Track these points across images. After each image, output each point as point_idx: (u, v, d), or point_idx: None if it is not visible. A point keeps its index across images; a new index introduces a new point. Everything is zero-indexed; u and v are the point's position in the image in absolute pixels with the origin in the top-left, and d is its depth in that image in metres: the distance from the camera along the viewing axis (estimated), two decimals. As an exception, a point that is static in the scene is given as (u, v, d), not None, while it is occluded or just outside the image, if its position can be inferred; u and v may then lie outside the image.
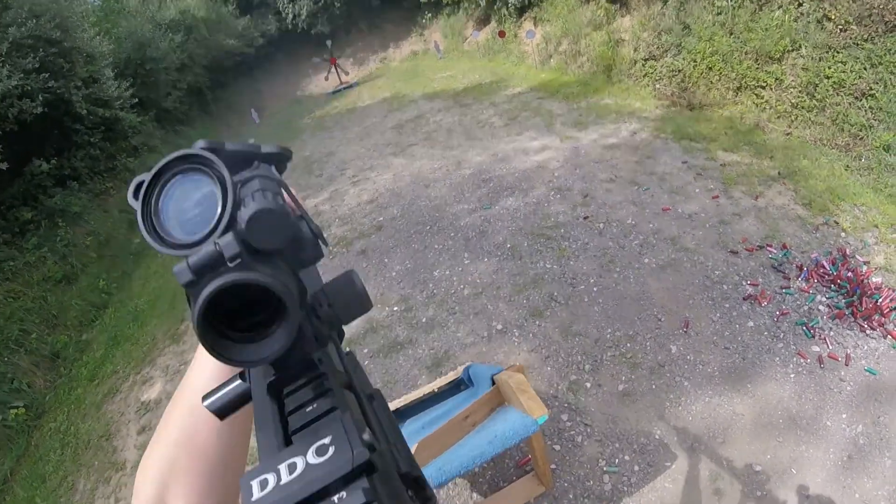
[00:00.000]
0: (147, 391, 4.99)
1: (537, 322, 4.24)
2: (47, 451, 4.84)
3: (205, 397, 0.48)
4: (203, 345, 0.37)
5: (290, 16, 17.87)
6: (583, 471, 3.09)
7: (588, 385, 3.60)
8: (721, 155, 6.07)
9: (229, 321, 0.39)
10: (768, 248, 4.43)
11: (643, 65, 8.83)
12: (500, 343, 4.15)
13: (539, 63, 11.93)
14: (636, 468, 3.05)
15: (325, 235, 0.46)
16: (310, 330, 0.44)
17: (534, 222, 5.58)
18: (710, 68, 7.46)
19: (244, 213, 0.39)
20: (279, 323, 0.39)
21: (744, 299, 3.98)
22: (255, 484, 0.31)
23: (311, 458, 0.31)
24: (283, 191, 0.45)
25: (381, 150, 9.45)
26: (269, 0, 18.10)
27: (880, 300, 3.69)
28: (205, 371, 0.64)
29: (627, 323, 4.03)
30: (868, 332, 3.56)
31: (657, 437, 3.19)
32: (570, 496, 2.98)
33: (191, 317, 0.36)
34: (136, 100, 11.59)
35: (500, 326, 4.30)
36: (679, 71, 8.01)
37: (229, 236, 0.37)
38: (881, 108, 5.57)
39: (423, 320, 4.56)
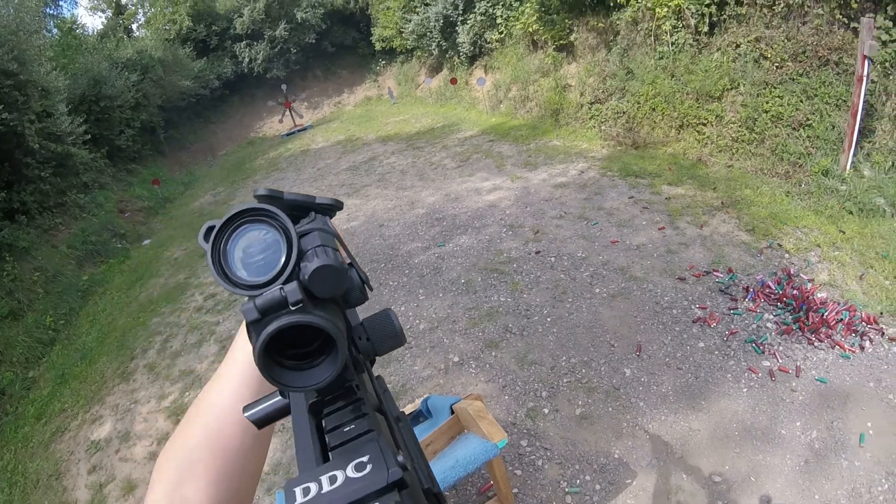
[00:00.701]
0: (97, 430, 4.78)
1: (493, 353, 4.26)
2: (-6, 491, 4.58)
3: (246, 408, 0.53)
4: (261, 371, 0.41)
5: (247, 60, 17.99)
6: (545, 493, 3.08)
7: (546, 411, 3.62)
8: (666, 189, 6.31)
9: (281, 350, 0.43)
10: (715, 273, 4.60)
11: (589, 108, 9.17)
12: (458, 375, 4.14)
13: (489, 108, 12.26)
14: (597, 487, 3.06)
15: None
16: (350, 361, 0.48)
17: (487, 258, 5.65)
18: (654, 109, 7.80)
19: (308, 267, 0.44)
20: (328, 355, 0.44)
21: (693, 322, 4.10)
22: (298, 490, 0.34)
23: (351, 472, 0.35)
24: (337, 243, 0.51)
25: (335, 191, 9.46)
26: (225, 44, 18.17)
27: (826, 314, 3.87)
28: (237, 377, 0.67)
29: (582, 350, 4.08)
30: (816, 344, 3.72)
31: (616, 456, 3.22)
32: (533, 519, 2.97)
33: (253, 348, 0.41)
34: (89, 136, 11.37)
35: (456, 359, 4.30)
36: (624, 113, 8.34)
37: (294, 285, 0.42)
38: (818, 137, 5.94)
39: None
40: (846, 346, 3.64)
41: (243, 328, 0.69)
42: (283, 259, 0.45)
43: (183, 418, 0.69)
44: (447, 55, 14.44)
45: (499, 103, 12.04)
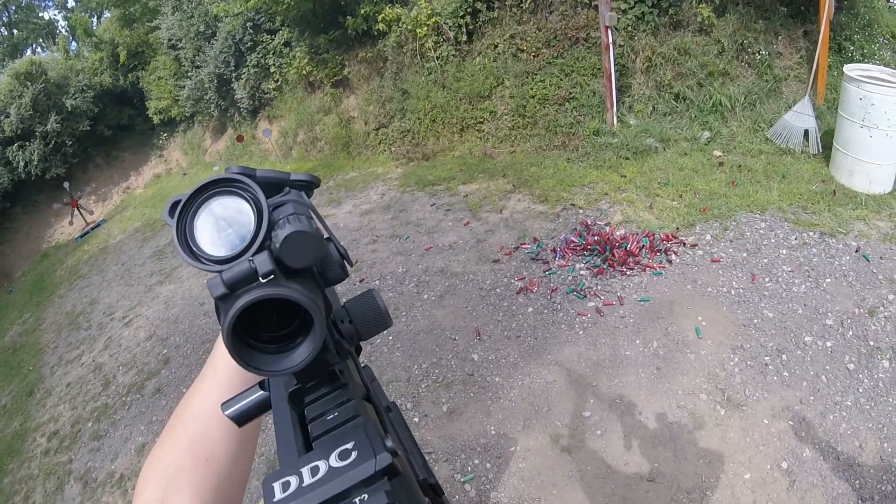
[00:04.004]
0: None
1: (347, 384, 4.21)
2: None
3: (224, 405, 0.50)
4: (232, 354, 0.38)
5: (22, 163, 15.96)
6: (445, 492, 3.09)
7: (416, 419, 3.66)
8: (462, 188, 6.66)
9: (255, 333, 0.41)
10: (523, 246, 4.95)
11: (376, 134, 9.41)
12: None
13: (281, 157, 12.11)
14: (488, 466, 3.18)
15: (349, 256, 0.49)
16: (332, 343, 0.46)
17: (314, 299, 5.58)
18: (434, 121, 8.21)
19: (279, 234, 0.41)
20: (305, 335, 0.41)
21: (517, 293, 4.38)
22: (277, 486, 0.32)
23: (334, 461, 0.33)
24: (313, 215, 0.49)
25: (146, 282, 8.77)
26: (-5, 151, 16.06)
27: (629, 246, 4.36)
28: (218, 379, 0.66)
29: (428, 353, 4.18)
30: (629, 273, 4.20)
31: (493, 433, 3.36)
32: (442, 519, 2.97)
33: (221, 329, 0.38)
34: None
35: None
36: (408, 131, 8.68)
37: (264, 255, 0.40)
38: (583, 105, 6.71)
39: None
40: (655, 266, 4.15)
41: None
42: (252, 229, 0.43)
43: (165, 428, 0.66)
44: (228, 113, 14.08)
45: (289, 150, 11.96)
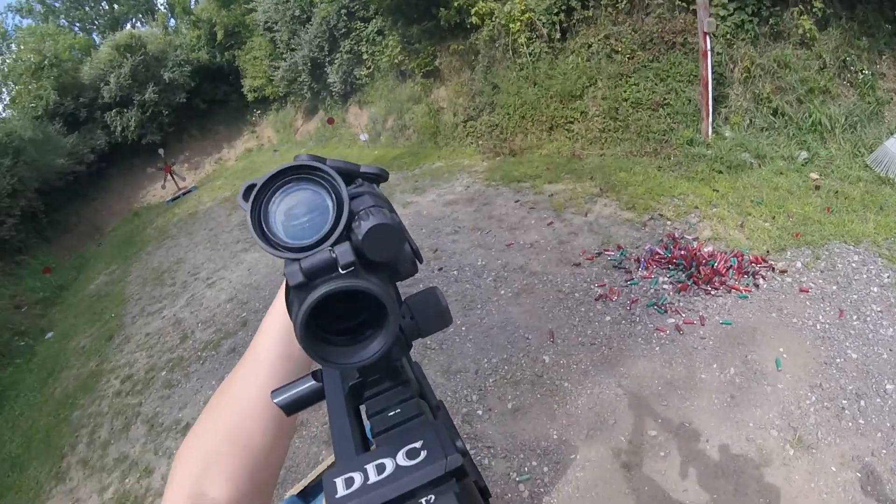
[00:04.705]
0: (43, 538, 4.42)
1: (418, 371, 4.33)
2: None
3: (274, 393, 0.49)
4: (303, 345, 0.38)
5: (119, 128, 17.07)
6: (498, 488, 3.16)
7: (480, 412, 3.71)
8: (547, 187, 6.66)
9: (323, 324, 0.40)
10: (606, 253, 4.91)
11: (464, 126, 9.53)
12: (389, 397, 4.17)
13: (370, 142, 12.42)
14: (545, 469, 3.18)
15: (420, 253, 0.51)
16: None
17: (392, 284, 5.72)
18: (523, 117, 8.23)
19: (363, 226, 0.40)
20: (377, 329, 0.40)
21: (596, 300, 4.35)
22: (339, 482, 0.32)
23: (402, 460, 0.32)
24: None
25: (231, 248, 9.22)
26: (95, 115, 17.22)
27: (716, 264, 4.25)
28: (261, 367, 0.65)
29: (500, 349, 4.22)
30: (713, 293, 4.08)
31: (555, 437, 3.36)
32: (491, 513, 3.05)
33: (293, 319, 0.38)
34: (-33, 233, 10.45)
35: (384, 383, 4.33)
36: (496, 125, 8.73)
37: (346, 245, 0.39)
38: (677, 112, 6.57)
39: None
40: (741, 288, 4.02)
41: (270, 314, 0.68)
42: (332, 218, 0.42)
43: (204, 410, 0.67)
44: (320, 96, 14.49)
45: (378, 136, 12.22)
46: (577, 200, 6.06)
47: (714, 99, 6.10)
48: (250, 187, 0.44)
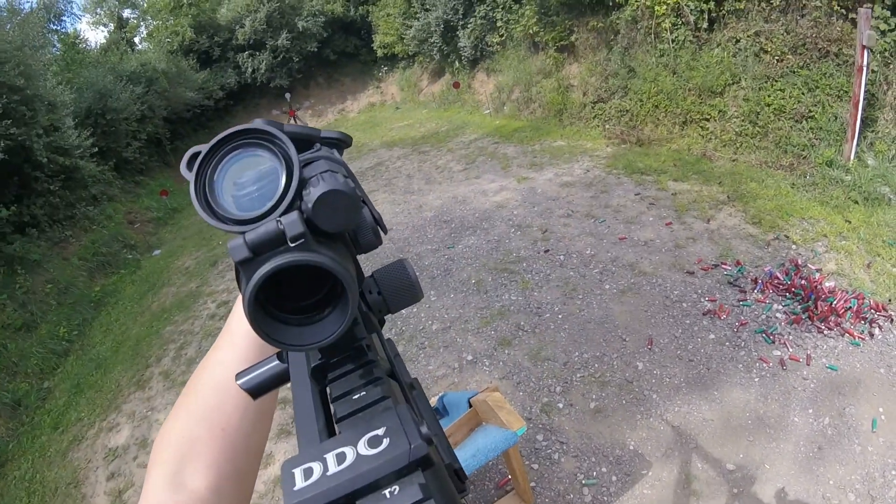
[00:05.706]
0: (114, 438, 4.82)
1: (506, 351, 4.30)
2: (13, 500, 4.61)
3: (238, 375, 0.46)
4: (252, 325, 0.35)
5: (250, 70, 18.01)
6: (562, 486, 3.12)
7: (560, 406, 3.66)
8: (671, 185, 6.37)
9: (277, 302, 0.38)
10: (723, 266, 4.64)
11: (592, 107, 9.24)
12: (472, 373, 4.18)
13: (493, 111, 12.31)
14: (614, 478, 3.10)
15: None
16: (359, 316, 0.43)
17: (496, 258, 5.69)
18: (656, 106, 7.88)
19: (313, 193, 0.37)
20: (334, 307, 0.38)
21: (703, 314, 4.15)
22: (297, 472, 0.30)
23: (363, 448, 0.30)
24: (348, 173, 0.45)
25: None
26: (228, 55, 18.25)
27: (835, 302, 3.91)
28: (236, 347, 0.63)
29: (594, 345, 4.13)
30: (826, 332, 3.77)
31: (631, 447, 3.26)
32: (552, 511, 3.01)
33: (242, 297, 0.35)
34: (96, 149, 11.35)
35: (470, 357, 4.34)
36: (627, 111, 8.42)
37: (294, 215, 0.36)
38: (821, 128, 6.03)
39: (394, 356, 4.55)
40: (856, 334, 3.68)
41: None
42: (281, 187, 0.39)
43: (179, 397, 0.65)
44: (448, 59, 14.51)
45: (502, 105, 12.10)
46: (701, 204, 5.76)
47: (862, 120, 5.53)
48: (195, 155, 0.41)
